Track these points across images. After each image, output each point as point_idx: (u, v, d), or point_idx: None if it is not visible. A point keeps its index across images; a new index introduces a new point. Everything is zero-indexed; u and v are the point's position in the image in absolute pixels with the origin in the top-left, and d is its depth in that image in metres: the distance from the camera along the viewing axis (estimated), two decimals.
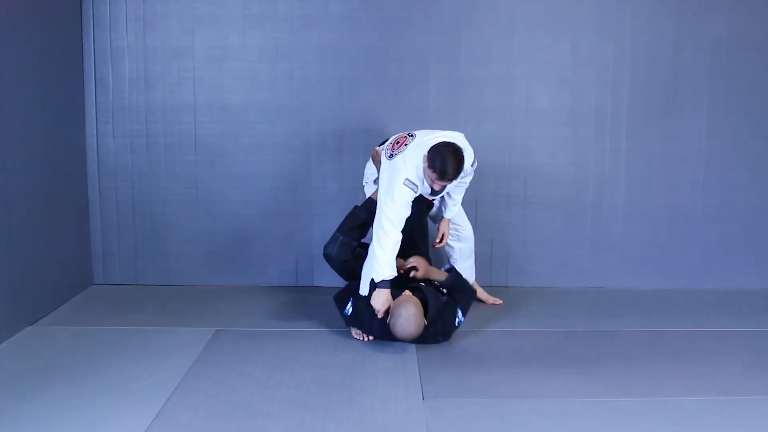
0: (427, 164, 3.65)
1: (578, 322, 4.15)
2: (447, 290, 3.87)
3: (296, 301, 4.47)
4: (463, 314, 3.80)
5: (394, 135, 4.15)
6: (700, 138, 4.78)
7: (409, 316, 3.53)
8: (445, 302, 3.79)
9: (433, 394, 3.10)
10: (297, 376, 3.27)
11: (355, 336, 3.78)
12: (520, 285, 4.84)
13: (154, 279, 4.81)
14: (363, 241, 4.00)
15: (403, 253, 3.85)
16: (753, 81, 4.75)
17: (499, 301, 4.46)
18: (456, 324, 3.77)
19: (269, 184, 4.76)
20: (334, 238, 3.94)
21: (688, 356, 3.61)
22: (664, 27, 4.71)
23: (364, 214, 3.96)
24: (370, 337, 3.75)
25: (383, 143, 4.11)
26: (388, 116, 4.70)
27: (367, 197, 4.11)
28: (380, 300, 3.63)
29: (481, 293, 4.45)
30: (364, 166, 4.36)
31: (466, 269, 4.27)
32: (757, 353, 3.67)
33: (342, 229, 3.96)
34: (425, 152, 3.68)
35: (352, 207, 4.08)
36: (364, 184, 4.27)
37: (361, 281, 3.83)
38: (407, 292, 3.69)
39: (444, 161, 3.59)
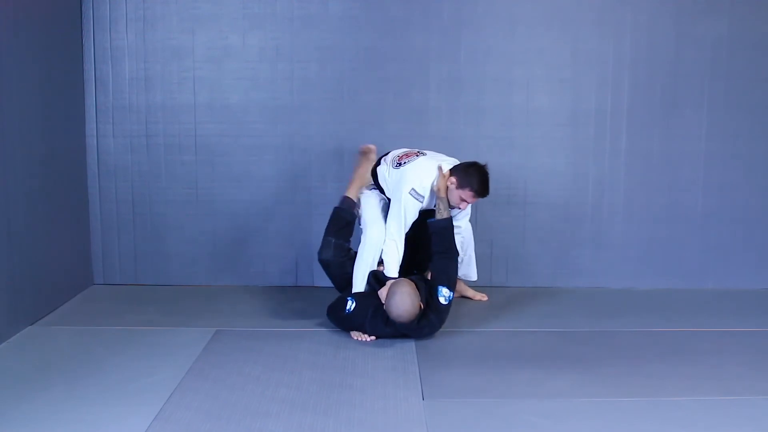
0: (456, 185, 3.83)
1: (578, 322, 4.15)
2: (434, 236, 3.89)
3: (296, 301, 4.47)
4: (450, 289, 3.78)
5: (395, 149, 4.17)
6: (700, 138, 4.78)
7: (404, 293, 3.62)
8: (429, 287, 3.83)
9: (433, 394, 3.10)
10: (297, 376, 3.27)
11: (355, 338, 3.78)
12: (520, 285, 4.84)
13: (154, 279, 4.81)
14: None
15: (410, 257, 4.03)
16: (753, 81, 4.75)
17: (484, 297, 4.52)
18: (445, 302, 3.76)
19: (269, 184, 4.76)
20: (326, 243, 4.08)
21: (688, 356, 3.61)
22: (664, 27, 4.71)
23: (346, 214, 4.12)
24: (371, 338, 3.76)
25: (384, 156, 4.15)
26: (388, 116, 4.70)
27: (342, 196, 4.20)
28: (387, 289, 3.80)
29: (466, 290, 4.53)
30: None
31: (466, 260, 4.36)
32: (757, 353, 3.67)
33: (330, 232, 4.10)
34: (435, 168, 3.88)
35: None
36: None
37: (356, 280, 3.95)
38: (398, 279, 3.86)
39: (481, 179, 3.84)
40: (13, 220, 3.74)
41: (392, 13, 4.66)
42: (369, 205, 4.11)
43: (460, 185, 3.84)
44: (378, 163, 4.14)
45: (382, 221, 4.03)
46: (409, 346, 3.68)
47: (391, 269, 3.89)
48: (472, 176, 3.84)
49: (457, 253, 4.01)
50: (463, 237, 4.28)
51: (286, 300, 4.50)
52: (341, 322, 3.87)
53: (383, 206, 4.11)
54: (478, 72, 4.71)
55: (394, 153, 4.13)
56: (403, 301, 3.60)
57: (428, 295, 3.79)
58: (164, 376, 3.24)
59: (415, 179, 3.88)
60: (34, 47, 3.98)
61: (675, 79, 4.74)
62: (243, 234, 4.80)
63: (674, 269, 4.88)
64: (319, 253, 4.09)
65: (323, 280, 4.40)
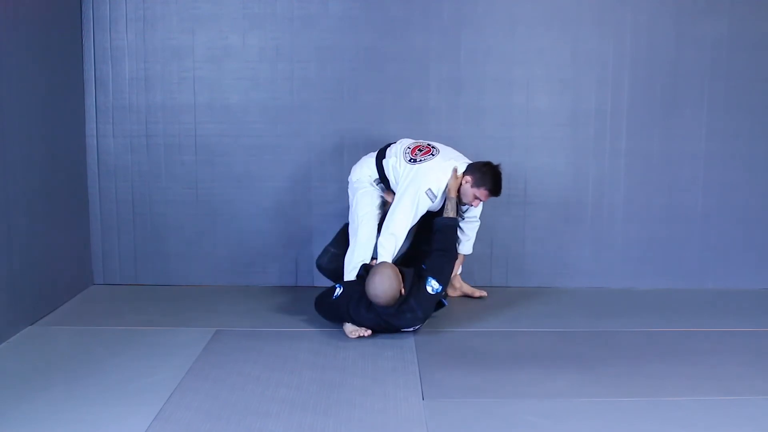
0: (472, 183, 3.93)
1: (578, 322, 4.15)
2: (437, 234, 3.90)
3: (296, 301, 4.46)
4: (440, 283, 3.77)
5: (400, 139, 4.17)
6: (700, 138, 4.78)
7: (384, 274, 3.64)
8: (418, 277, 3.83)
9: (433, 394, 3.10)
10: (297, 376, 3.27)
11: (354, 336, 3.78)
12: (520, 285, 4.83)
13: (154, 279, 4.81)
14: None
15: (413, 251, 4.12)
16: (753, 81, 4.75)
17: (484, 294, 4.54)
18: (431, 292, 3.75)
19: (269, 184, 4.76)
20: (325, 251, 4.23)
21: (688, 356, 3.61)
22: (664, 27, 4.71)
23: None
24: (368, 332, 3.76)
25: (388, 146, 4.15)
26: (388, 116, 4.70)
27: (356, 202, 4.13)
28: None
29: (466, 288, 4.53)
30: None
31: (468, 237, 4.36)
32: (757, 353, 3.67)
33: (333, 243, 4.23)
34: (450, 169, 3.94)
35: (350, 208, 4.20)
36: (354, 180, 4.20)
37: (347, 268, 3.97)
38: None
39: (495, 179, 3.96)
40: (13, 220, 3.74)
41: (392, 13, 4.66)
42: (364, 201, 4.09)
43: (476, 184, 3.93)
44: (383, 155, 4.13)
45: (375, 220, 4.04)
46: (409, 346, 3.68)
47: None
48: (487, 175, 3.94)
49: (456, 255, 4.06)
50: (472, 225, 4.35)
51: (286, 300, 4.50)
52: (328, 310, 3.88)
53: (379, 204, 4.11)
54: (478, 72, 4.71)
55: (403, 144, 4.12)
56: (381, 282, 3.61)
57: (414, 283, 3.77)
58: (164, 376, 3.24)
59: (433, 181, 3.92)
60: (34, 47, 3.98)
61: (675, 79, 4.74)
62: (243, 234, 4.80)
63: (674, 269, 4.88)
64: (317, 258, 4.27)
65: (323, 281, 4.40)
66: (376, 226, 4.02)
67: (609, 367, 3.43)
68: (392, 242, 3.87)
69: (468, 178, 3.95)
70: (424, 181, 3.90)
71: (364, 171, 4.18)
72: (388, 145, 4.19)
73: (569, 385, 3.22)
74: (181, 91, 4.68)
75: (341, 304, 3.80)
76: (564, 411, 2.95)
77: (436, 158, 4.00)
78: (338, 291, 3.85)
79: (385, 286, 3.62)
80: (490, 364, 3.49)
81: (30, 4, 3.95)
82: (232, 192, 4.76)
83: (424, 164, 3.97)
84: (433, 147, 4.08)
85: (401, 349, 3.64)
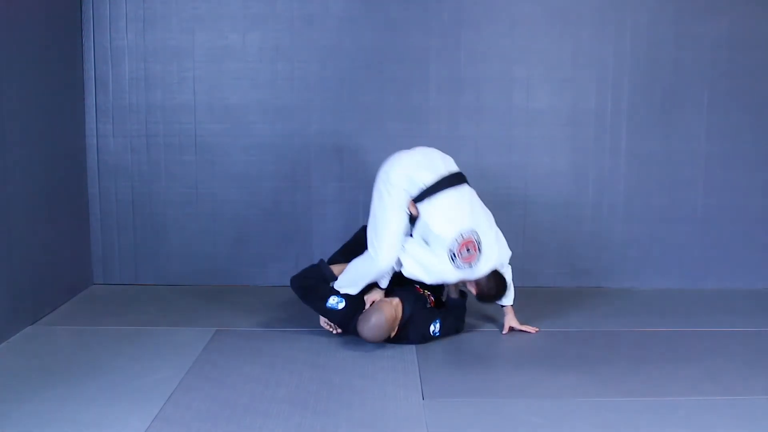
0: (475, 292, 3.76)
1: (578, 322, 4.15)
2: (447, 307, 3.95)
3: (296, 301, 4.44)
4: (441, 329, 3.78)
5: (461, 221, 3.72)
6: (700, 138, 4.78)
7: (378, 325, 3.58)
8: (429, 311, 3.83)
9: (433, 394, 3.11)
10: (297, 376, 3.27)
11: (323, 325, 3.80)
12: (521, 285, 4.78)
13: (154, 279, 4.81)
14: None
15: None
16: (753, 81, 4.75)
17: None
18: (431, 334, 3.76)
19: (269, 184, 4.76)
20: (302, 275, 3.97)
21: (688, 356, 3.61)
22: (664, 27, 4.71)
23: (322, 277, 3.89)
24: (338, 330, 3.78)
25: (429, 195, 3.70)
26: (388, 116, 4.70)
27: (382, 208, 3.79)
28: (375, 296, 3.79)
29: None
30: (363, 167, 4.35)
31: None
32: (757, 353, 3.67)
33: (307, 270, 3.99)
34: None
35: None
36: (385, 179, 3.70)
37: (350, 281, 3.76)
38: (386, 300, 3.73)
39: (493, 298, 3.83)
40: (13, 220, 3.74)
41: (392, 13, 4.66)
42: (395, 219, 3.66)
43: (478, 293, 3.75)
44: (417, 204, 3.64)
45: (398, 248, 3.65)
46: (409, 347, 3.68)
47: (381, 282, 3.81)
48: (488, 292, 3.76)
49: (463, 325, 3.95)
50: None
51: (286, 300, 4.50)
52: (316, 306, 3.79)
53: (406, 231, 3.74)
54: (478, 72, 4.71)
55: (457, 228, 3.57)
56: (370, 329, 3.57)
57: (416, 314, 3.75)
58: (164, 376, 3.24)
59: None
60: (34, 47, 3.98)
61: (675, 79, 4.74)
62: (243, 234, 4.80)
63: (674, 269, 4.88)
64: (292, 280, 3.96)
65: None
66: (396, 253, 3.64)
67: (609, 367, 3.44)
68: (378, 270, 3.72)
69: (473, 290, 3.76)
70: (440, 280, 3.71)
71: (401, 176, 3.65)
72: (431, 193, 3.62)
73: (569, 385, 3.22)
74: (181, 91, 4.68)
75: (344, 317, 3.74)
76: (564, 411, 2.95)
77: (468, 271, 3.63)
78: (337, 302, 3.74)
79: (374, 334, 3.59)
80: (490, 364, 3.49)
81: (30, 4, 3.95)
82: (232, 192, 4.76)
83: (454, 271, 3.60)
84: (480, 250, 3.60)
85: (401, 349, 3.64)
